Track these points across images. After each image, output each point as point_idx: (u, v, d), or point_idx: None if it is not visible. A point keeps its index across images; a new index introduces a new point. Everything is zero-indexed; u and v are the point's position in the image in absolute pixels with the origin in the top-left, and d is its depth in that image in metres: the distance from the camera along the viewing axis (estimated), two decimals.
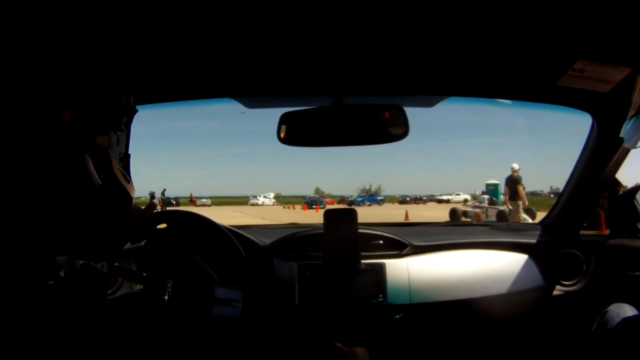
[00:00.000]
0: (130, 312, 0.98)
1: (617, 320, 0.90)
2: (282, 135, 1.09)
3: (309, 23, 0.77)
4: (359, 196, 31.81)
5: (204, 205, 27.42)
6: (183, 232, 1.06)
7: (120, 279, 1.15)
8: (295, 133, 1.09)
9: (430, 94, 1.17)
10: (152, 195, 20.24)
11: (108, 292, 1.12)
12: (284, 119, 1.08)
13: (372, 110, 1.08)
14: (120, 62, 0.72)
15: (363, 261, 1.18)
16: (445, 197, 28.63)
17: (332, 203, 27.67)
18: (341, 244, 1.17)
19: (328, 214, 1.21)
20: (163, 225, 1.09)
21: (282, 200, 33.78)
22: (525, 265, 1.21)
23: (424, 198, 31.24)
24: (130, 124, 0.92)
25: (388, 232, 1.26)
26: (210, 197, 32.16)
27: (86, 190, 0.63)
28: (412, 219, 11.22)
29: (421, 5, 0.71)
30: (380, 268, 1.18)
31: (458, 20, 0.76)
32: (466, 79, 1.05)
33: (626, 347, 0.81)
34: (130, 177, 0.78)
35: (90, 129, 0.64)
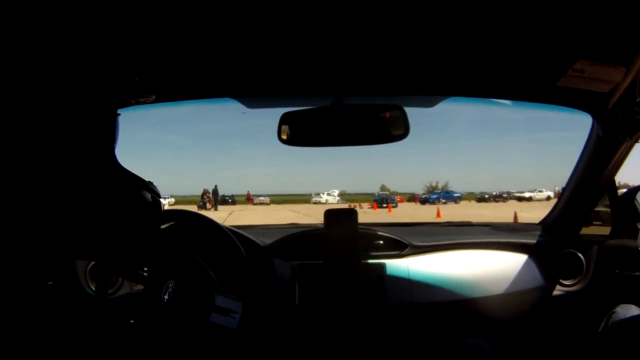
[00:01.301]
0: (129, 311, 0.98)
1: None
2: (282, 135, 1.08)
3: (309, 23, 0.77)
4: (434, 193, 27.76)
5: (262, 203, 25.85)
6: (184, 231, 1.05)
7: (120, 278, 1.15)
8: (296, 133, 1.09)
9: (430, 94, 1.17)
10: (205, 192, 20.05)
11: (108, 292, 1.12)
12: (284, 119, 1.08)
13: (372, 110, 1.08)
14: (110, 59, 0.72)
15: (363, 261, 1.18)
16: (526, 195, 25.61)
17: (402, 201, 25.09)
18: (341, 244, 1.17)
19: (328, 214, 1.21)
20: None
21: (347, 197, 30.86)
22: (525, 265, 1.21)
23: (504, 195, 27.55)
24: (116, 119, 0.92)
25: (388, 232, 1.26)
26: (271, 195, 29.91)
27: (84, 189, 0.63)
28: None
29: (421, 6, 0.71)
30: (381, 268, 1.18)
31: (458, 20, 0.76)
32: (466, 79, 1.04)
33: (634, 348, 0.80)
34: (156, 190, 0.78)
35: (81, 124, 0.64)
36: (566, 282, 1.23)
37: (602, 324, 0.92)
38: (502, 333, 1.22)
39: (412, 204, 24.06)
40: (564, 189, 1.31)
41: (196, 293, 0.93)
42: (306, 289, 1.16)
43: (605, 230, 1.26)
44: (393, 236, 1.24)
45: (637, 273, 1.09)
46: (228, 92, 1.14)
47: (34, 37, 0.63)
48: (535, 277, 1.21)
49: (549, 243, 1.26)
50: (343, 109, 1.09)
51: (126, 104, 0.79)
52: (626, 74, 0.85)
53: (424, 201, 24.23)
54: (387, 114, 1.07)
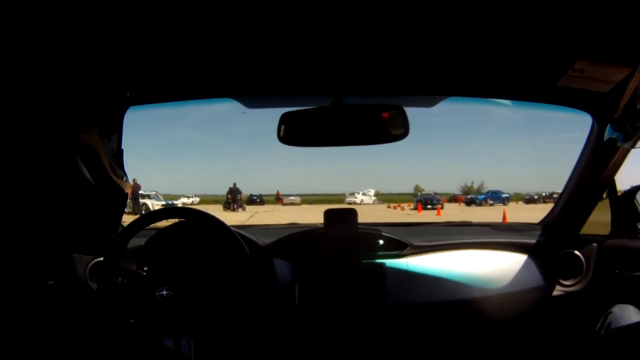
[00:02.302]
0: (127, 311, 0.98)
1: (621, 321, 0.90)
2: (282, 135, 1.09)
3: (309, 23, 0.77)
4: (480, 193, 23.33)
5: (292, 203, 23.92)
6: (188, 229, 1.05)
7: (120, 278, 1.15)
8: (295, 133, 1.09)
9: (430, 94, 1.17)
10: (229, 191, 19.46)
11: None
12: (284, 119, 1.08)
13: (372, 110, 1.08)
14: (110, 60, 0.72)
15: (363, 261, 1.18)
16: None
17: (444, 202, 21.75)
18: (341, 244, 1.17)
19: (328, 214, 1.21)
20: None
21: (383, 198, 28.09)
22: (525, 266, 1.21)
23: (554, 196, 22.89)
24: (122, 120, 0.92)
25: (388, 232, 1.26)
26: (304, 195, 27.39)
27: (76, 187, 0.63)
28: None
29: (421, 6, 0.71)
30: (380, 268, 1.18)
31: (458, 20, 0.76)
32: (466, 79, 1.05)
33: (631, 349, 0.80)
34: (124, 173, 0.77)
35: (77, 126, 0.64)
36: (566, 282, 1.23)
37: (599, 324, 0.92)
38: (502, 333, 1.22)
39: (455, 205, 21.26)
40: (563, 189, 1.31)
41: (190, 309, 0.93)
42: (306, 289, 1.16)
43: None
44: (393, 236, 1.24)
45: (637, 273, 1.09)
46: (228, 92, 1.14)
47: (35, 40, 0.63)
48: (535, 277, 1.21)
49: (549, 243, 1.26)
50: (343, 109, 1.09)
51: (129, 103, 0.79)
52: (632, 79, 0.85)
53: (469, 202, 21.30)
54: (387, 114, 1.07)
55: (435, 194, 22.98)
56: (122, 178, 0.75)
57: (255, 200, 23.00)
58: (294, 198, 25.10)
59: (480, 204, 20.18)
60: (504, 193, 22.36)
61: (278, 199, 25.40)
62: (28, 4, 0.61)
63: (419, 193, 24.79)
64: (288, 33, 0.81)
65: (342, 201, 23.95)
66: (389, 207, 20.65)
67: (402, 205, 20.50)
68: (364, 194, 25.63)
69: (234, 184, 17.85)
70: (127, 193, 0.77)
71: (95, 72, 0.70)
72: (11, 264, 0.62)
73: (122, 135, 1.02)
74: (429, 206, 17.97)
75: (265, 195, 25.43)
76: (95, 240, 0.72)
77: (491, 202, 20.90)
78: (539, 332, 1.23)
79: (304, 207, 21.65)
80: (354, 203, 22.30)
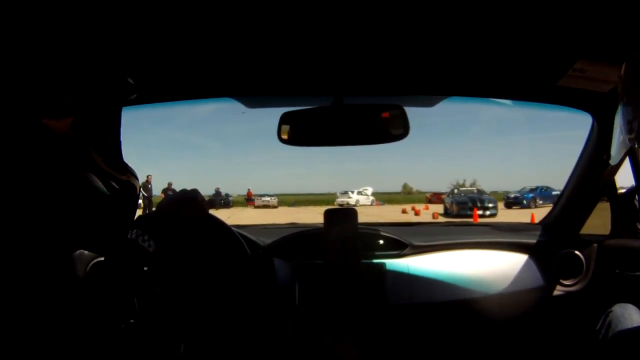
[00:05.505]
0: (128, 311, 0.98)
1: (622, 320, 0.89)
2: (282, 135, 1.09)
3: (309, 23, 0.78)
4: (526, 192, 16.75)
5: (266, 205, 19.59)
6: (188, 228, 1.04)
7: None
8: (296, 133, 1.09)
9: (430, 94, 1.17)
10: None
11: None
12: (284, 119, 1.08)
13: (373, 110, 1.09)
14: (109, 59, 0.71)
15: (363, 261, 1.19)
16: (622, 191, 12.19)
17: None
18: (341, 244, 1.17)
19: (328, 213, 1.21)
20: None
21: (384, 197, 23.46)
22: (525, 265, 1.21)
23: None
24: (115, 109, 0.89)
25: (388, 232, 1.26)
26: (284, 195, 22.62)
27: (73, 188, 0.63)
28: None
29: (421, 6, 0.71)
30: (381, 268, 1.18)
31: (458, 20, 0.76)
32: (466, 79, 1.05)
33: (631, 349, 0.80)
34: (128, 167, 0.76)
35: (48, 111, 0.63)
36: (566, 282, 1.23)
37: (599, 323, 0.92)
38: (503, 333, 1.22)
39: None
40: (564, 188, 1.31)
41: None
42: (306, 289, 1.17)
43: None
44: (393, 236, 1.25)
45: (637, 273, 1.09)
46: (228, 92, 1.14)
47: (35, 38, 0.63)
48: (535, 277, 1.21)
49: (549, 243, 1.26)
50: (343, 109, 1.10)
51: (128, 102, 0.79)
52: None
53: (511, 203, 16.32)
54: (387, 114, 1.07)
55: (480, 191, 16.86)
56: (124, 174, 0.74)
57: (219, 202, 19.16)
58: (268, 199, 20.60)
59: (527, 205, 15.40)
60: (554, 190, 16.13)
61: (249, 200, 21.38)
62: (27, 3, 0.61)
63: (454, 190, 18.29)
64: (288, 33, 0.81)
65: (331, 202, 19.86)
66: (404, 211, 16.26)
67: (417, 207, 16.68)
68: (359, 193, 21.61)
69: (169, 184, 13.59)
70: (136, 187, 0.76)
71: (94, 71, 0.70)
72: (13, 263, 0.62)
73: (119, 127, 1.00)
74: (480, 212, 12.77)
75: (238, 196, 21.47)
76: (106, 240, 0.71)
77: (541, 201, 15.99)
78: (539, 332, 1.23)
79: (282, 210, 17.89)
80: (347, 205, 16.95)
